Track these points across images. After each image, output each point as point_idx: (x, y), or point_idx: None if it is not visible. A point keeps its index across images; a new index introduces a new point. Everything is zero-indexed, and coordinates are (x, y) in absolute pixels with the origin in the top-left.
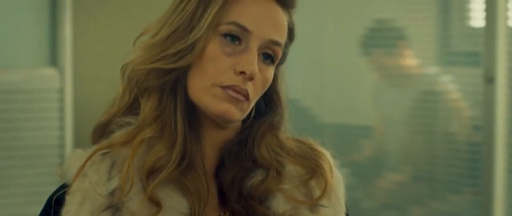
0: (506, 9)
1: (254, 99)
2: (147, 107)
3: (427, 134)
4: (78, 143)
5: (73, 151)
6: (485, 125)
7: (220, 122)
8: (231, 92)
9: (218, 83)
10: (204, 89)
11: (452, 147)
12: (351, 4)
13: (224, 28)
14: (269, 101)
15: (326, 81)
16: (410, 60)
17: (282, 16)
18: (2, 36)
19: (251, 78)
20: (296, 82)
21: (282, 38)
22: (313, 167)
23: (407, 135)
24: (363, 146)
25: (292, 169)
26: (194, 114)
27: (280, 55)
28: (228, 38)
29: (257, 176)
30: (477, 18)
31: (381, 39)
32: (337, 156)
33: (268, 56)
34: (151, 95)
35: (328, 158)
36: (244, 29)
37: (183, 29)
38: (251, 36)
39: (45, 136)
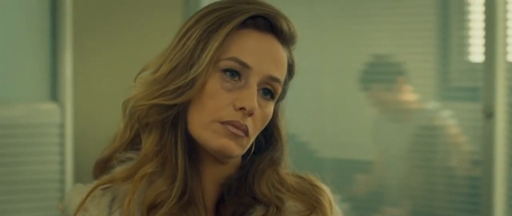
0: (505, 44)
1: (254, 134)
2: (148, 142)
3: (426, 168)
4: (78, 178)
5: (74, 185)
6: (485, 160)
7: (220, 157)
8: (230, 128)
9: (218, 118)
10: (203, 125)
11: (452, 181)
12: (350, 39)
13: (224, 63)
14: (269, 137)
15: (325, 116)
16: (409, 95)
17: (282, 53)
18: (2, 71)
19: (250, 114)
20: (295, 117)
21: (282, 75)
22: (312, 203)
23: (407, 170)
24: (362, 181)
25: (292, 205)
26: (194, 150)
27: (279, 91)
28: (228, 73)
29: (257, 212)
30: (477, 53)
31: (380, 74)
32: (336, 191)
33: (268, 92)
34: (152, 131)
35: (328, 194)
36: (244, 65)
37: (184, 65)
38: (251, 72)
39: (46, 170)
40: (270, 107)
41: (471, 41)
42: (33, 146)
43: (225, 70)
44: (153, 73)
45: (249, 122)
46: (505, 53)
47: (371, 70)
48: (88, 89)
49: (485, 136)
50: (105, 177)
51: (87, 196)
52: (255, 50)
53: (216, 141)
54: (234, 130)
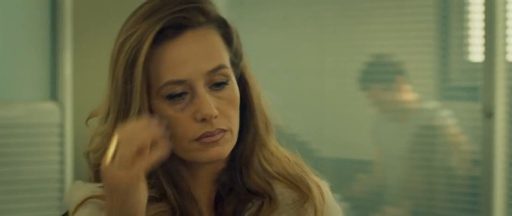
0: (505, 44)
1: (233, 124)
2: None
3: (426, 168)
4: (77, 177)
5: (74, 183)
6: (484, 160)
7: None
8: (206, 139)
9: (191, 138)
10: (184, 149)
11: (451, 181)
12: (350, 39)
13: (163, 92)
14: (246, 107)
15: (324, 116)
16: (408, 95)
17: (206, 38)
18: (2, 71)
19: (214, 117)
20: (295, 117)
21: (221, 58)
22: (304, 191)
23: (406, 170)
24: (362, 181)
25: (286, 197)
26: (180, 164)
27: (230, 72)
28: (173, 98)
29: (253, 207)
30: (476, 52)
31: (380, 74)
32: (336, 190)
33: (219, 81)
34: None
35: (324, 188)
36: (180, 82)
37: (126, 110)
38: (191, 82)
39: (45, 170)
40: (231, 88)
41: (471, 40)
42: (32, 146)
43: (168, 96)
44: (103, 121)
45: (219, 122)
46: (505, 52)
47: (370, 69)
48: (88, 89)
49: (484, 136)
50: (99, 193)
51: (84, 200)
52: (181, 60)
53: (203, 156)
54: (211, 139)
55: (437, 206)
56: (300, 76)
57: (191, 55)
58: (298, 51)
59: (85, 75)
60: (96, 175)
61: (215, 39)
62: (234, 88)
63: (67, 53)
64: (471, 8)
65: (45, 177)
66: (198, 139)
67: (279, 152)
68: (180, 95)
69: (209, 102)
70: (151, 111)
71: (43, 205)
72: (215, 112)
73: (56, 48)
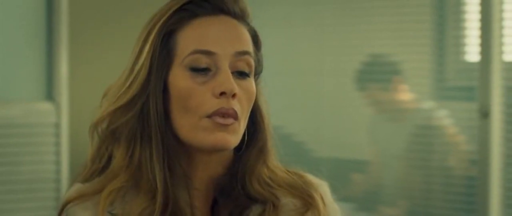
0: (501, 44)
1: (244, 117)
2: (117, 156)
3: (423, 168)
4: (74, 177)
5: (73, 186)
6: (481, 159)
7: (217, 152)
8: (219, 119)
9: (204, 113)
10: (193, 126)
11: (448, 181)
12: (347, 39)
13: (188, 61)
14: (255, 119)
15: (322, 116)
16: (405, 95)
17: (239, 27)
18: None
19: (233, 96)
20: (292, 116)
21: (248, 47)
22: (307, 199)
23: (403, 170)
24: (359, 181)
25: (288, 202)
26: (185, 155)
27: (253, 64)
28: (196, 71)
29: (253, 212)
30: (473, 52)
31: (377, 74)
32: (333, 190)
33: (242, 70)
34: (120, 144)
35: (325, 188)
36: (207, 52)
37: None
38: (218, 57)
39: (41, 170)
40: (251, 83)
41: (467, 40)
42: (28, 146)
43: (192, 69)
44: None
45: (235, 104)
46: (501, 52)
47: (367, 69)
48: (84, 89)
49: (481, 136)
50: (73, 195)
51: (63, 207)
52: (212, 34)
53: (209, 138)
54: (222, 120)
55: (434, 206)
56: (299, 76)
57: (223, 33)
58: (297, 51)
59: (81, 75)
60: (100, 147)
61: (247, 33)
62: (253, 84)
63: (63, 53)
64: (468, 8)
65: (41, 177)
66: (211, 116)
67: (279, 169)
68: (203, 70)
69: (232, 79)
70: (166, 86)
71: (39, 205)
72: (236, 88)
73: (52, 48)
